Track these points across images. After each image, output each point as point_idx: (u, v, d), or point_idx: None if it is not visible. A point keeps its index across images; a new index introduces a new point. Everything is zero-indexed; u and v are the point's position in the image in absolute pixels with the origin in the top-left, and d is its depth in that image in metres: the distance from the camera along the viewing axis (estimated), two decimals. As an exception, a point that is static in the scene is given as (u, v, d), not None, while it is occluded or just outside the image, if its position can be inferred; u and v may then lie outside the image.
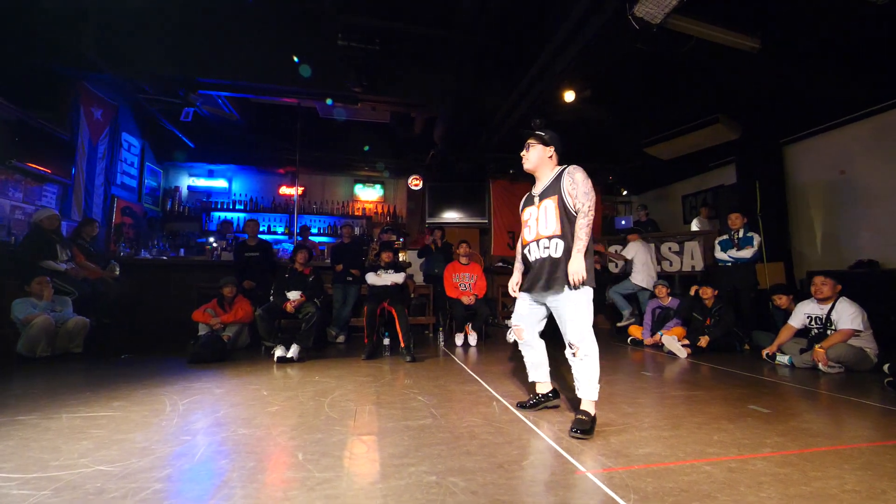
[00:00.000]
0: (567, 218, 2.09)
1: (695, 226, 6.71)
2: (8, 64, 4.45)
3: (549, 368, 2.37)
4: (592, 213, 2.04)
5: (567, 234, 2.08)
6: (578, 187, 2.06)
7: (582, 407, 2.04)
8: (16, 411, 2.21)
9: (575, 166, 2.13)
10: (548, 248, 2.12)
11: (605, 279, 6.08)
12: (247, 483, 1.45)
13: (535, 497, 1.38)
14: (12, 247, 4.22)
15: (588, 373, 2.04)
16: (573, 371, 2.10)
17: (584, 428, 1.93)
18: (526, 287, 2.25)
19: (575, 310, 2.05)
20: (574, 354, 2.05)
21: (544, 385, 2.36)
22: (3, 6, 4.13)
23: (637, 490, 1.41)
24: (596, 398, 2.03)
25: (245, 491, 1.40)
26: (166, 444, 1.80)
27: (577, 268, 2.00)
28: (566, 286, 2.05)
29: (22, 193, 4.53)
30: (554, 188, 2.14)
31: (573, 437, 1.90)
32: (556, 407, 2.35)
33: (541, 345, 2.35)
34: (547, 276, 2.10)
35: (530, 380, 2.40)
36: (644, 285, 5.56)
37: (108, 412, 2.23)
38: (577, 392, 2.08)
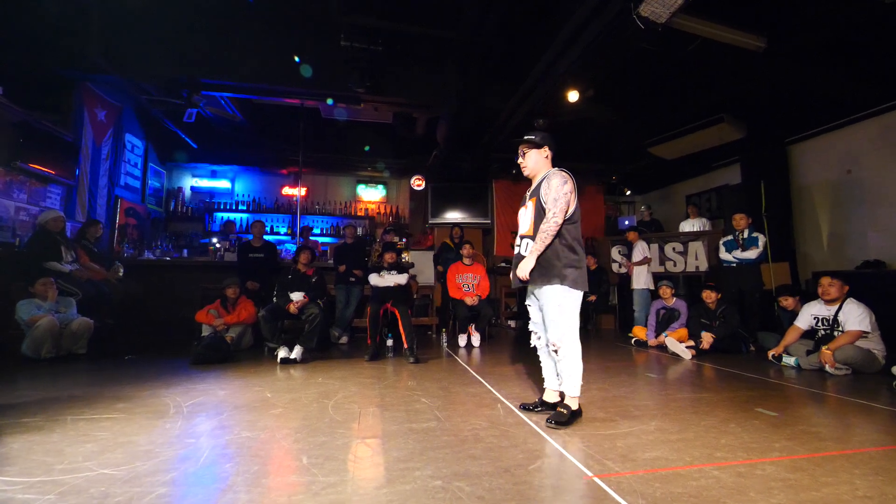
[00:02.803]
0: (541, 220, 2.15)
1: (686, 227, 6.55)
2: (12, 66, 4.46)
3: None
4: (557, 220, 2.08)
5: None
6: (550, 192, 2.12)
7: (564, 401, 2.14)
8: (20, 413, 2.21)
9: (556, 170, 2.17)
10: (518, 246, 2.28)
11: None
12: (251, 487, 1.44)
13: (544, 503, 1.37)
14: (17, 248, 4.23)
15: (569, 370, 2.12)
16: (557, 366, 2.19)
17: (561, 420, 2.04)
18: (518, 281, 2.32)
19: (557, 310, 2.12)
20: (556, 353, 2.13)
21: (553, 394, 2.34)
22: (6, 8, 4.14)
23: (646, 496, 1.39)
24: (577, 394, 2.14)
25: (249, 496, 1.39)
26: (170, 447, 1.79)
27: (522, 266, 2.14)
28: (537, 284, 2.15)
29: (26, 195, 4.54)
30: (536, 190, 2.22)
31: (548, 426, 2.02)
32: None
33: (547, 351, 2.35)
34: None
35: (544, 385, 2.39)
36: (646, 287, 5.60)
37: (113, 414, 2.22)
38: (559, 386, 2.20)
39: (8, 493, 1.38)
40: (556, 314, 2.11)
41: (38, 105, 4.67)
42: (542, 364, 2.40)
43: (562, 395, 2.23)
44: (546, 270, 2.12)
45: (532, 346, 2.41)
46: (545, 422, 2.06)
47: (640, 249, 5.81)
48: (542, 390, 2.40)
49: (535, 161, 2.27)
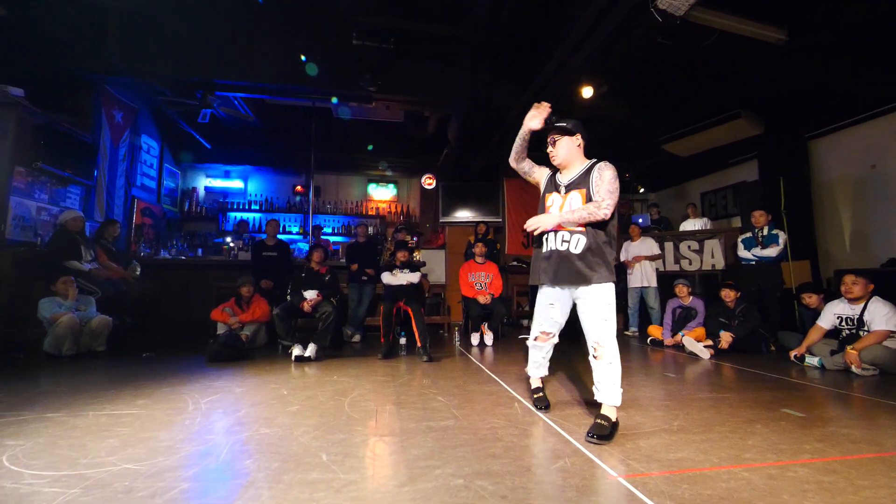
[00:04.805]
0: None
1: (688, 226, 6.37)
2: (33, 69, 4.57)
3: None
4: (607, 213, 1.95)
5: (589, 231, 2.01)
6: (604, 184, 1.99)
7: (602, 411, 1.95)
8: (44, 408, 2.25)
9: (607, 163, 2.04)
10: (567, 241, 2.04)
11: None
12: (272, 484, 1.44)
13: (570, 503, 1.34)
14: (39, 247, 4.33)
15: (611, 377, 1.96)
16: (594, 374, 2.01)
17: (603, 433, 1.84)
18: (547, 281, 2.13)
19: (601, 309, 1.97)
20: (596, 357, 1.98)
21: (538, 381, 2.45)
22: (26, 13, 4.23)
23: (674, 497, 1.35)
24: (619, 403, 1.95)
25: (271, 492, 1.39)
26: (191, 443, 1.80)
27: (542, 221, 2.06)
28: (591, 283, 1.98)
29: (47, 195, 4.63)
30: (583, 181, 2.06)
31: (589, 441, 1.82)
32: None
33: (551, 345, 2.35)
34: (568, 272, 2.03)
35: (532, 378, 2.46)
36: (643, 285, 5.58)
37: (133, 410, 2.25)
38: (596, 396, 2.00)
39: (35, 487, 1.40)
40: (598, 313, 1.98)
41: (58, 107, 4.77)
42: (532, 356, 2.41)
43: (597, 402, 2.12)
44: (598, 268, 1.99)
45: (529, 342, 2.39)
46: (585, 437, 1.85)
47: (648, 246, 5.72)
48: (540, 380, 2.46)
49: (567, 149, 2.10)
